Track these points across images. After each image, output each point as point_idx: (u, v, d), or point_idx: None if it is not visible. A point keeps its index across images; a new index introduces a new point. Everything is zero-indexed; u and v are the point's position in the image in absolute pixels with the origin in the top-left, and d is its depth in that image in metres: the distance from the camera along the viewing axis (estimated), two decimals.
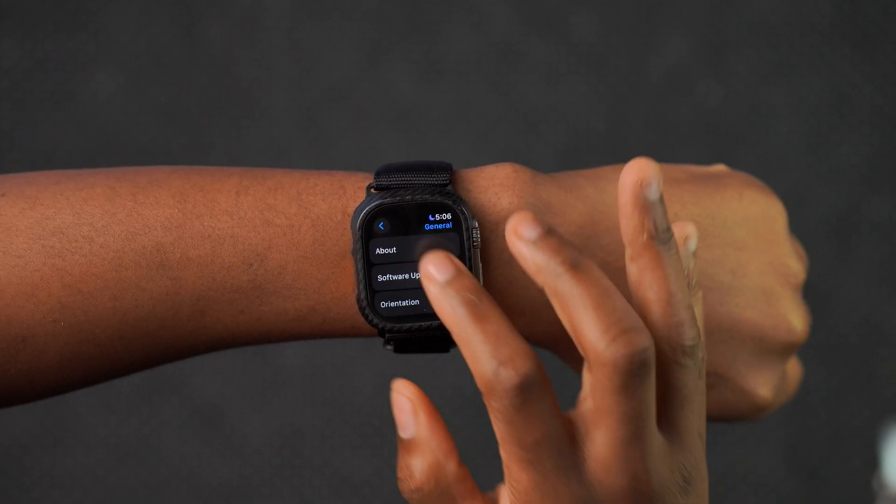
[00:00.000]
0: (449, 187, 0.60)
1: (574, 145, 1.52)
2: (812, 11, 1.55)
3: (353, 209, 0.60)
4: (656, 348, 0.55)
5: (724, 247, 0.63)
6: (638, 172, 0.54)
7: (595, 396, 0.54)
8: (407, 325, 0.60)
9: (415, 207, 0.60)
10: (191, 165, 0.62)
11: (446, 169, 0.60)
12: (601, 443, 0.54)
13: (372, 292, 0.59)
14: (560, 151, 1.51)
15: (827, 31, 1.55)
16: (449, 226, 0.60)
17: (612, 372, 0.52)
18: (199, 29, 1.52)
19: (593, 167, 0.65)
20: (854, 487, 1.52)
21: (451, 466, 0.57)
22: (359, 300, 0.59)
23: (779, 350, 0.64)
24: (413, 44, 1.54)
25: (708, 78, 1.55)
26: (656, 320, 0.55)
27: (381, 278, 0.59)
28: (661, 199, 0.55)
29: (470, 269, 0.59)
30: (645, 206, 0.54)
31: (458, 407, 1.49)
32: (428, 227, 0.60)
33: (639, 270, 0.55)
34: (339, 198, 0.60)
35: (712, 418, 0.64)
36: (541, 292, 0.61)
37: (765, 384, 0.64)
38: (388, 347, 0.61)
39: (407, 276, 0.60)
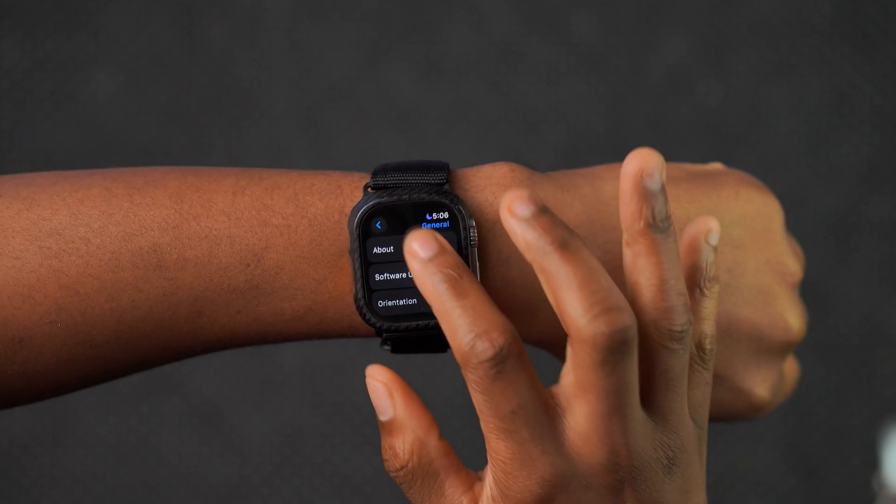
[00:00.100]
0: (446, 186, 0.60)
1: (574, 145, 1.52)
2: (812, 11, 1.55)
3: (350, 209, 0.60)
4: (644, 331, 0.55)
5: (720, 245, 0.63)
6: (640, 162, 0.55)
7: (576, 371, 0.54)
8: (404, 325, 0.60)
9: (412, 206, 0.60)
10: (187, 166, 0.62)
11: (443, 168, 0.60)
12: (581, 416, 0.55)
13: (369, 292, 0.59)
14: (560, 151, 1.51)
15: (827, 31, 1.55)
16: (446, 225, 0.60)
17: (592, 348, 0.53)
18: (199, 29, 1.52)
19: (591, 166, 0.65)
20: (853, 487, 1.52)
21: (433, 441, 0.59)
22: (356, 300, 0.59)
23: (776, 349, 0.64)
24: (413, 44, 1.54)
25: (708, 78, 1.55)
26: (645, 304, 0.55)
27: (378, 278, 0.59)
28: (663, 188, 0.55)
29: None
30: (644, 194, 0.55)
31: (458, 407, 1.49)
32: (425, 226, 0.60)
33: (633, 255, 0.56)
34: (336, 197, 0.60)
35: (710, 418, 0.64)
36: (538, 292, 0.61)
37: (762, 383, 0.64)
38: (386, 347, 0.61)
39: (404, 275, 0.60)
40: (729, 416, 0.66)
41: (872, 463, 1.51)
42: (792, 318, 0.64)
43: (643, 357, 0.56)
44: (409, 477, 0.59)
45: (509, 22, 1.54)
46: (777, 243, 0.64)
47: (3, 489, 1.47)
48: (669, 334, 0.55)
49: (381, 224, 0.59)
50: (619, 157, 0.64)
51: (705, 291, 0.57)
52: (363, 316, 0.59)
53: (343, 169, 0.64)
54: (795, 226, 0.70)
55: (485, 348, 0.53)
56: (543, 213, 0.53)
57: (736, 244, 0.63)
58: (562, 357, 0.63)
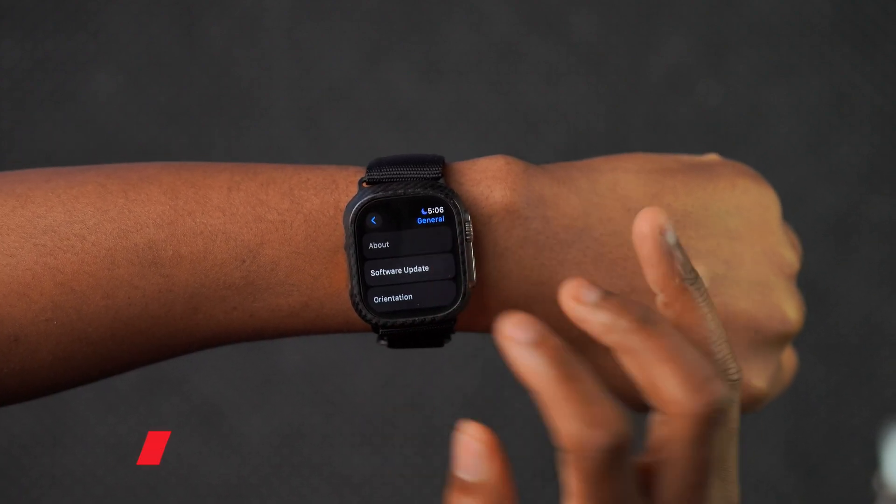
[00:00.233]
0: (441, 181, 0.60)
1: (574, 145, 1.52)
2: (812, 11, 1.55)
3: (346, 204, 0.59)
4: None
5: (717, 237, 0.63)
6: (651, 221, 0.53)
7: (671, 447, 0.53)
8: (400, 321, 0.60)
9: (407, 201, 0.59)
10: (181, 161, 0.61)
11: (438, 162, 0.60)
12: (670, 490, 0.53)
13: (365, 287, 0.59)
14: (560, 151, 1.51)
15: (827, 31, 1.55)
16: (441, 219, 0.59)
17: (693, 423, 0.52)
18: (199, 29, 1.52)
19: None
20: (853, 486, 1.51)
21: None
22: (352, 295, 0.59)
23: (774, 340, 0.64)
24: (413, 44, 1.54)
25: (708, 78, 1.55)
26: None
27: (374, 273, 0.59)
28: (678, 241, 0.54)
29: (462, 262, 0.59)
30: (669, 252, 0.53)
31: (458, 407, 1.49)
32: (420, 221, 0.60)
33: (677, 315, 0.54)
34: (332, 192, 0.60)
35: None
36: (534, 286, 0.60)
37: (760, 375, 0.64)
38: (382, 343, 0.61)
39: (400, 270, 0.60)
40: None
41: (873, 463, 1.51)
42: (789, 309, 0.64)
43: None
44: None
45: (509, 22, 1.54)
46: (774, 234, 0.64)
47: (3, 489, 1.47)
48: (730, 384, 0.54)
49: (377, 219, 0.59)
50: None
51: (696, 297, 0.56)
52: (359, 312, 0.59)
53: None
54: (795, 226, 0.70)
55: (599, 438, 0.50)
56: (610, 296, 0.52)
57: (732, 235, 0.63)
58: None
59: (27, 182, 0.60)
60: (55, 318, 0.58)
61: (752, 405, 0.65)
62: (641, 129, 1.53)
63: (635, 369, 0.52)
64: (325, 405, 1.50)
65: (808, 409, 1.53)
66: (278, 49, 1.52)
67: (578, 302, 0.51)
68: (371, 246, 0.59)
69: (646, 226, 0.53)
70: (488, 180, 0.61)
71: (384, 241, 0.59)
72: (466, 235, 0.59)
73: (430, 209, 0.59)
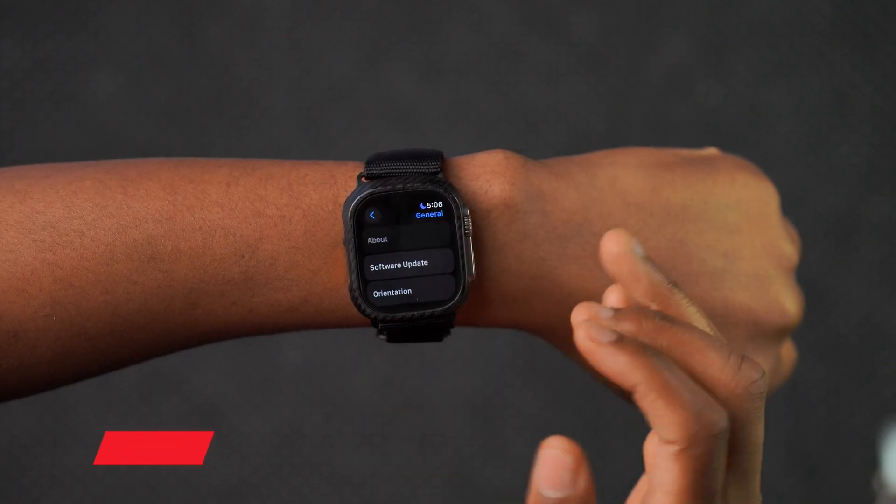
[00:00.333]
0: (440, 175, 0.60)
1: (574, 145, 1.52)
2: (812, 11, 1.55)
3: (345, 199, 0.59)
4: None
5: (716, 230, 0.63)
6: (618, 239, 0.54)
7: (738, 427, 0.54)
8: (400, 315, 0.60)
9: (406, 196, 0.59)
10: (180, 157, 0.61)
11: (437, 157, 0.60)
12: (748, 476, 0.55)
13: (364, 282, 0.59)
14: (560, 151, 1.51)
15: (827, 31, 1.55)
16: (440, 214, 0.59)
17: (749, 399, 0.53)
18: (199, 29, 1.52)
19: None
20: (853, 486, 1.51)
21: None
22: (351, 290, 0.59)
23: (773, 334, 0.64)
24: (413, 44, 1.54)
25: (708, 78, 1.55)
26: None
27: (373, 268, 0.59)
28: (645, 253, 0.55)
29: (462, 257, 0.59)
30: (644, 262, 0.54)
31: (458, 407, 1.49)
32: (419, 215, 0.60)
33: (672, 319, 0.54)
34: (330, 187, 0.60)
35: None
36: (533, 280, 0.60)
37: None
38: (381, 337, 0.61)
39: (399, 265, 0.60)
40: None
41: (873, 463, 1.51)
42: (788, 302, 0.64)
43: None
44: None
45: (509, 22, 1.54)
46: (773, 227, 0.64)
47: (3, 489, 1.47)
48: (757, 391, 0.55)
49: (376, 214, 0.59)
50: None
51: (681, 300, 0.57)
52: (358, 307, 0.59)
53: None
54: (796, 226, 0.70)
55: (716, 420, 0.51)
56: (626, 310, 0.53)
57: (732, 229, 0.63)
58: (556, 344, 0.63)
59: (26, 178, 0.60)
60: (54, 314, 0.58)
61: None
62: (641, 129, 1.53)
63: (681, 360, 0.53)
64: (325, 405, 1.50)
65: (808, 409, 1.53)
66: (278, 49, 1.52)
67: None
68: (370, 240, 0.59)
69: (614, 246, 0.54)
70: (487, 175, 0.61)
71: (383, 236, 0.59)
72: (465, 230, 0.59)
73: (429, 204, 0.60)
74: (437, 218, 0.59)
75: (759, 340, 0.64)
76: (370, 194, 0.59)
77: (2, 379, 0.59)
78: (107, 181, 0.59)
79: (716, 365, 0.52)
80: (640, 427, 0.60)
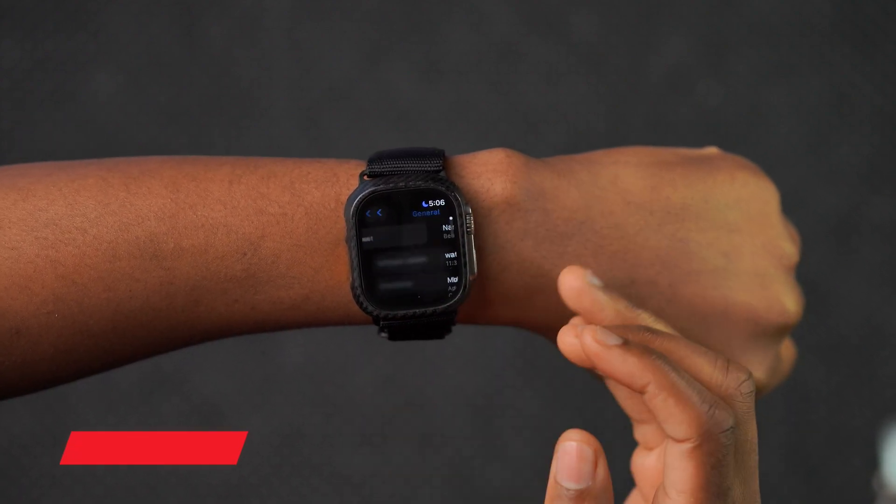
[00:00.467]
0: (442, 173, 0.60)
1: (574, 145, 1.52)
2: (812, 11, 1.55)
3: (347, 197, 0.59)
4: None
5: (716, 229, 0.63)
6: (575, 274, 0.58)
7: (741, 426, 0.56)
8: (401, 313, 0.60)
9: (408, 194, 0.59)
10: (182, 155, 0.61)
11: (439, 155, 0.60)
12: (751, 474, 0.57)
13: (366, 280, 0.59)
14: (560, 151, 1.51)
15: (827, 31, 1.55)
16: (442, 212, 0.59)
17: (744, 399, 0.55)
18: (199, 29, 1.52)
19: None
20: (854, 487, 1.51)
21: None
22: (353, 288, 0.59)
23: (772, 332, 0.64)
24: (413, 44, 1.54)
25: (708, 78, 1.55)
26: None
27: (374, 266, 0.59)
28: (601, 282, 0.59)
29: (463, 254, 0.59)
30: (604, 294, 0.58)
31: (459, 406, 1.49)
32: (421, 213, 0.60)
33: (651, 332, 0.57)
34: (332, 185, 0.60)
35: None
36: (534, 277, 0.61)
37: (759, 366, 0.64)
38: (383, 335, 0.61)
39: (401, 262, 0.60)
40: None
41: (873, 463, 1.51)
42: (788, 301, 0.64)
43: None
44: None
45: (509, 22, 1.54)
46: (773, 226, 0.64)
47: (3, 489, 1.47)
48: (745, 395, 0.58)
49: (378, 212, 0.59)
50: None
51: (647, 319, 0.59)
52: (360, 304, 0.59)
53: None
54: (796, 226, 0.70)
55: (725, 417, 0.54)
56: (631, 345, 0.55)
57: (732, 228, 0.63)
58: (556, 341, 0.63)
59: (29, 176, 0.60)
60: (57, 311, 0.58)
61: None
62: (641, 128, 1.53)
63: (680, 361, 0.56)
64: (325, 405, 1.50)
65: (808, 410, 1.53)
66: (278, 49, 1.52)
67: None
68: (372, 238, 0.59)
69: (574, 281, 0.58)
70: (489, 173, 0.61)
71: (385, 234, 0.59)
72: (467, 228, 0.59)
73: (430, 202, 0.60)
74: (438, 216, 0.59)
75: (759, 339, 0.64)
76: (372, 192, 0.59)
77: (4, 376, 0.59)
78: (109, 179, 0.59)
79: (704, 369, 0.55)
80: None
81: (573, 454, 0.55)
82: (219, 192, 0.59)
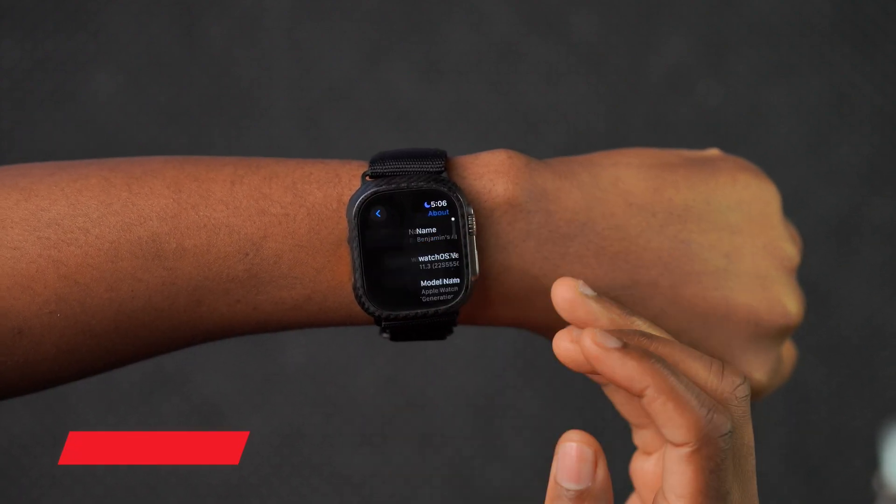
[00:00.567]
0: (444, 174, 0.60)
1: (574, 145, 1.52)
2: (812, 11, 1.55)
3: (349, 197, 0.59)
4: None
5: (718, 231, 0.63)
6: (567, 285, 0.58)
7: (738, 432, 0.56)
8: (403, 313, 0.60)
9: (410, 195, 0.60)
10: (185, 155, 0.61)
11: (441, 156, 0.60)
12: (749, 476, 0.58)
13: (368, 280, 0.59)
14: (560, 151, 1.51)
15: (827, 31, 1.55)
16: (444, 213, 0.59)
17: (741, 402, 0.56)
18: (199, 29, 1.52)
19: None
20: (854, 487, 1.51)
21: None
22: (355, 289, 0.59)
23: (774, 334, 0.64)
24: (413, 44, 1.54)
25: (708, 78, 1.55)
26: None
27: (377, 266, 0.59)
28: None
29: (465, 255, 0.59)
30: (597, 303, 0.58)
31: (459, 406, 1.49)
32: (423, 214, 0.60)
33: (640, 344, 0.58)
34: (335, 186, 0.60)
35: None
36: (536, 279, 0.61)
37: (760, 368, 0.65)
38: (385, 336, 0.61)
39: (403, 263, 0.60)
40: None
41: (873, 464, 1.51)
42: (790, 302, 0.64)
43: None
44: None
45: (509, 22, 1.54)
46: (774, 228, 0.65)
47: (3, 489, 1.47)
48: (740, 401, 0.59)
49: (380, 213, 0.59)
50: None
51: (642, 325, 0.59)
52: (362, 305, 0.59)
53: None
54: (797, 227, 0.70)
55: (724, 421, 0.54)
56: (631, 348, 0.55)
57: (733, 229, 0.63)
58: None
59: (31, 175, 0.60)
60: (59, 311, 0.58)
61: (752, 397, 0.66)
62: (641, 129, 1.53)
63: (676, 361, 0.56)
64: (325, 405, 1.50)
65: (809, 411, 1.53)
66: (278, 49, 1.52)
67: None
68: (374, 239, 0.59)
69: (566, 292, 0.58)
70: (491, 174, 0.61)
71: (388, 235, 0.59)
72: (469, 229, 0.59)
73: (433, 203, 0.60)
74: (440, 217, 0.59)
75: (760, 340, 0.64)
76: (374, 193, 0.59)
77: (6, 376, 0.59)
78: (112, 179, 0.59)
79: (700, 373, 0.55)
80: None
81: (573, 455, 0.55)
82: (221, 193, 0.59)
